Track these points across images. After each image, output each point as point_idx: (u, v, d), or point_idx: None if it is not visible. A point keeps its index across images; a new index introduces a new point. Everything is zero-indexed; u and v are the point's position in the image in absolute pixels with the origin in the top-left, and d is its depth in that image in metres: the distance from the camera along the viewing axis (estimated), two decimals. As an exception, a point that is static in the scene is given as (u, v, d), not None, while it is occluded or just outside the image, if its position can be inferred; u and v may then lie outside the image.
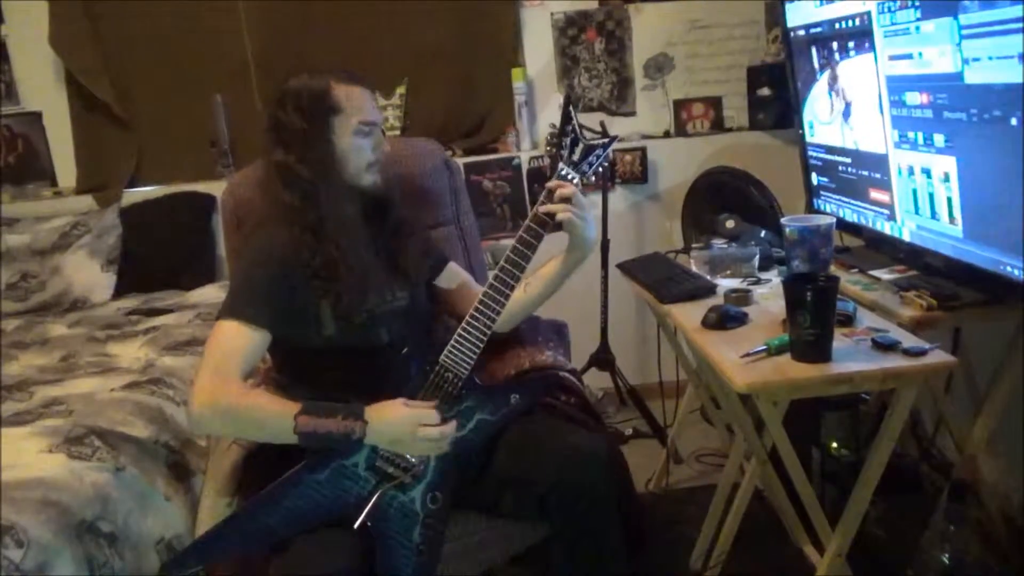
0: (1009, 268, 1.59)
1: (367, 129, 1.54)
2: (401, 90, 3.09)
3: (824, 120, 2.25)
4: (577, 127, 1.57)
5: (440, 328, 1.76)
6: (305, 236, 1.49)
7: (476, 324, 1.52)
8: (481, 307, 1.52)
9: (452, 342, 1.51)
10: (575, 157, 1.56)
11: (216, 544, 1.41)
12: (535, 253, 1.54)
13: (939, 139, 1.72)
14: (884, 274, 1.93)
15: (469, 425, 1.51)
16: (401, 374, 1.49)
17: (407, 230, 1.67)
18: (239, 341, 1.43)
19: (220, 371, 1.40)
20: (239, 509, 1.53)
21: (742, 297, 1.81)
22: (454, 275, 1.76)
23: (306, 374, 1.55)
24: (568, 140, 1.56)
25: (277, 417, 1.38)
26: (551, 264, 1.66)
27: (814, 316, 1.43)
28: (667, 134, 3.16)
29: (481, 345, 1.52)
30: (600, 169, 1.60)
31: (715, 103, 3.14)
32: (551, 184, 1.55)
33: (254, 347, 1.44)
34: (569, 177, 1.56)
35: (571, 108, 1.60)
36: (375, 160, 1.56)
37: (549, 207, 1.53)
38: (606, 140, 1.59)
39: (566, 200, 1.53)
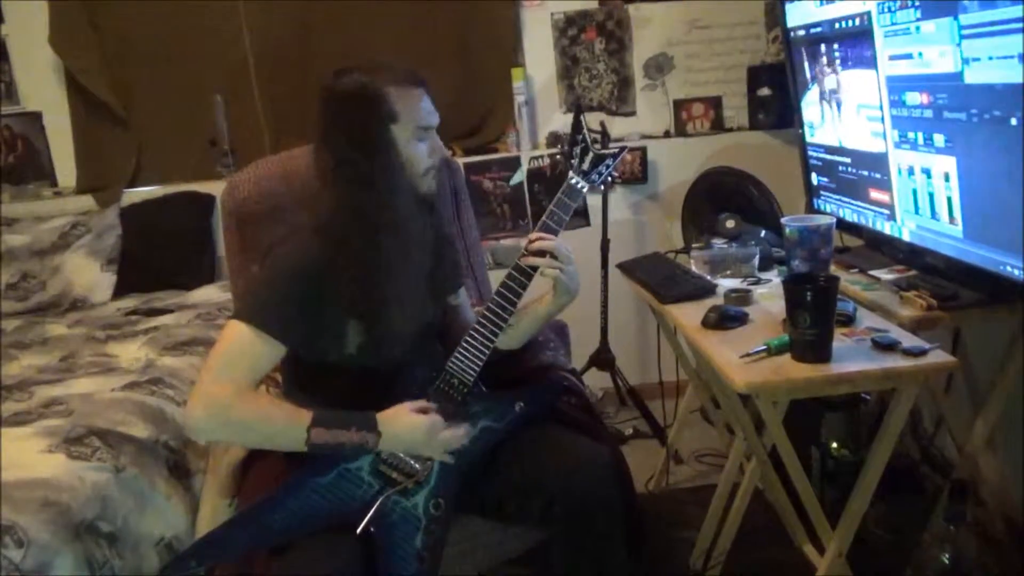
0: (1009, 268, 1.59)
1: (425, 134, 1.47)
2: (401, 90, 3.08)
3: (824, 120, 2.25)
4: (587, 136, 1.58)
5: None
6: (349, 262, 1.40)
7: (482, 332, 1.51)
8: (483, 321, 1.51)
9: (457, 350, 1.51)
10: (585, 166, 1.57)
11: (217, 546, 1.40)
12: (527, 287, 1.54)
13: (939, 139, 1.72)
14: (884, 274, 1.93)
15: (473, 432, 1.51)
16: (406, 382, 1.49)
17: (447, 249, 1.62)
18: (253, 349, 1.38)
19: (227, 377, 1.36)
20: (241, 511, 1.52)
21: (742, 297, 1.81)
22: (460, 294, 1.73)
23: (313, 384, 1.52)
24: (578, 149, 1.57)
25: (288, 429, 1.37)
26: (535, 305, 1.63)
27: (814, 316, 1.43)
28: (667, 134, 3.16)
29: (486, 354, 1.51)
30: (609, 178, 1.61)
31: (715, 103, 3.14)
32: (533, 236, 1.53)
33: (267, 358, 1.40)
34: (579, 186, 1.56)
35: (582, 117, 1.61)
36: (432, 165, 1.49)
37: (532, 260, 1.52)
38: (615, 150, 1.60)
39: (550, 254, 1.52)
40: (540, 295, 1.62)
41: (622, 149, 1.64)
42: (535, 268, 1.52)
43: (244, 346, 1.38)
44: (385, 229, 1.42)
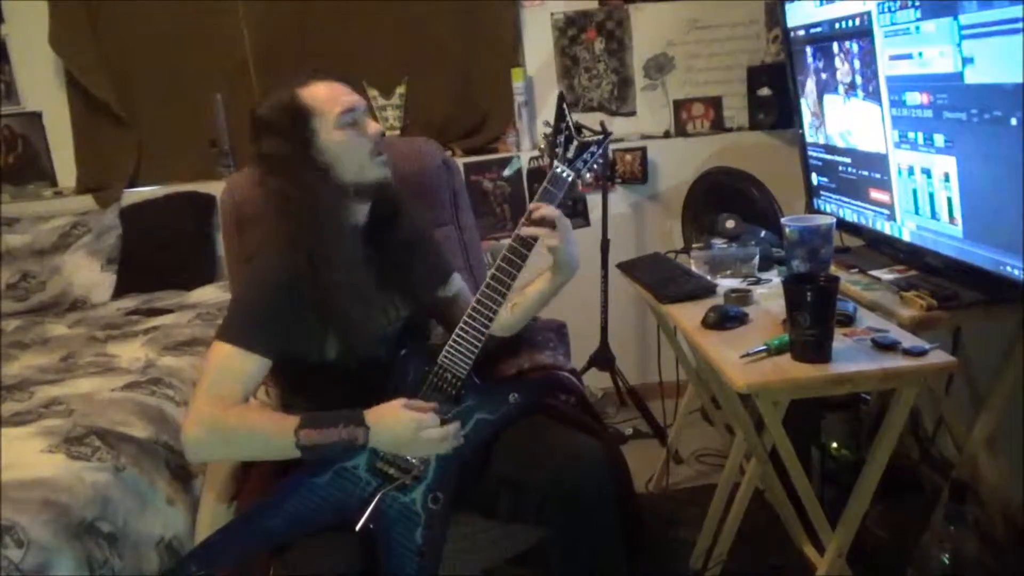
0: (1009, 268, 1.59)
1: (350, 118, 1.46)
2: (401, 90, 3.08)
3: (823, 119, 2.25)
4: (571, 124, 1.56)
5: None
6: (305, 265, 1.43)
7: (473, 325, 1.51)
8: (475, 311, 1.52)
9: (449, 343, 1.51)
10: (569, 155, 1.56)
11: (218, 550, 1.40)
12: (525, 263, 1.52)
13: (939, 139, 1.72)
14: (884, 274, 1.93)
15: (468, 425, 1.51)
16: (400, 377, 1.49)
17: (421, 248, 1.63)
18: (238, 367, 1.40)
19: (217, 397, 1.38)
20: (240, 514, 1.52)
21: (742, 297, 1.81)
22: (454, 285, 1.74)
23: (304, 386, 1.54)
24: (562, 138, 1.56)
25: (277, 435, 1.37)
26: (536, 283, 1.63)
27: (814, 316, 1.43)
28: (667, 134, 3.16)
29: (479, 346, 1.51)
30: (595, 167, 1.59)
31: (715, 103, 3.14)
32: (532, 206, 1.52)
33: (253, 373, 1.42)
34: (564, 175, 1.55)
35: (564, 105, 1.59)
36: (374, 148, 1.49)
37: (531, 230, 1.50)
38: (600, 137, 1.58)
39: (548, 223, 1.51)
40: (537, 275, 1.61)
41: (606, 136, 1.60)
42: (535, 240, 1.51)
43: (229, 365, 1.40)
44: (325, 242, 1.44)
